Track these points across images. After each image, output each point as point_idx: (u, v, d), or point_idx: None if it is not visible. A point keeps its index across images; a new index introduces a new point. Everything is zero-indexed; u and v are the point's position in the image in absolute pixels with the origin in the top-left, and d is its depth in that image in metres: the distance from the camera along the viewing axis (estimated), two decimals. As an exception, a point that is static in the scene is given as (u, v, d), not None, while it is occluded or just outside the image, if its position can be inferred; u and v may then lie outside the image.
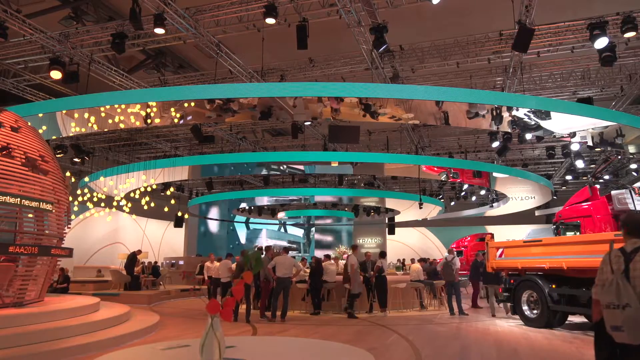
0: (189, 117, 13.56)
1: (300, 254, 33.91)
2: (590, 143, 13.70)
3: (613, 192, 10.50)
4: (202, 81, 14.08)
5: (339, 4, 9.43)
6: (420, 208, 20.52)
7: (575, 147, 16.56)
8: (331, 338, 8.00)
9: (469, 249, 23.19)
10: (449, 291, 12.35)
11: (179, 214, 24.15)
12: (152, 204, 18.01)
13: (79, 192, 17.67)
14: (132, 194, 19.51)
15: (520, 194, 24.67)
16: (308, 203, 30.14)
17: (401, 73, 12.95)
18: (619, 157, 19.22)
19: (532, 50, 10.68)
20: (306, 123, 16.06)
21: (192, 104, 12.17)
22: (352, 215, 30.54)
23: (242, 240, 35.16)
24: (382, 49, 10.10)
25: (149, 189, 19.29)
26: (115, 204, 19.29)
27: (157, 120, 12.99)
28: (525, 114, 12.13)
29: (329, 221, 35.69)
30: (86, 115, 12.72)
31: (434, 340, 8.29)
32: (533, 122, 12.45)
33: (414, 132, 17.78)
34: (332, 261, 13.56)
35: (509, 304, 10.85)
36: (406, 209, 27.11)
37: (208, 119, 14.15)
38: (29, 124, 9.32)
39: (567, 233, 11.10)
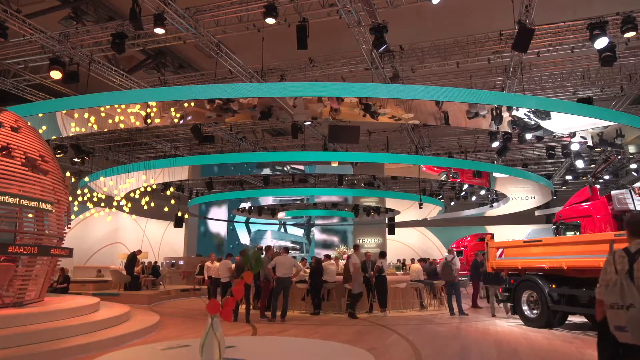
0: (189, 117, 13.56)
1: (302, 254, 33.87)
2: (590, 143, 13.70)
3: (613, 192, 10.50)
4: (202, 81, 14.08)
5: (339, 4, 9.44)
6: (420, 208, 20.52)
7: (575, 147, 16.57)
8: (331, 338, 8.00)
9: (469, 249, 23.19)
10: (449, 291, 12.36)
11: (179, 214, 24.15)
12: (152, 204, 18.01)
13: (79, 192, 17.67)
14: (132, 194, 19.51)
15: (520, 194, 24.67)
16: (308, 203, 30.13)
17: (401, 73, 12.95)
18: (619, 157, 19.22)
19: (532, 50, 10.69)
20: (306, 123, 16.06)
21: (192, 104, 12.17)
22: (352, 215, 30.53)
23: (245, 240, 35.14)
24: (382, 49, 10.10)
25: (149, 189, 19.29)
26: (115, 204, 19.29)
27: (157, 120, 12.99)
28: (525, 114, 12.13)
29: (329, 221, 35.69)
30: (86, 115, 12.72)
31: (434, 340, 8.29)
32: (533, 122, 12.45)
33: (414, 132, 17.78)
34: (332, 261, 13.57)
35: (509, 304, 10.86)
36: (406, 209, 27.11)
37: (208, 119, 14.15)
38: (29, 124, 9.32)
39: (567, 233, 11.10)
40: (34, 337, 6.57)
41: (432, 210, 25.98)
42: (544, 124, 12.31)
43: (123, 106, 12.12)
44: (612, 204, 10.38)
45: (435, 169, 19.60)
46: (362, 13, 9.84)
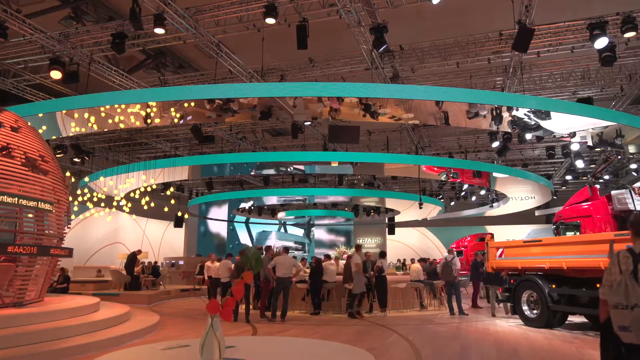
0: (189, 117, 13.56)
1: (304, 254, 33.86)
2: (590, 143, 13.70)
3: (613, 192, 10.50)
4: (202, 81, 14.08)
5: (339, 4, 9.44)
6: (420, 208, 20.52)
7: (575, 147, 16.57)
8: (331, 338, 8.00)
9: (469, 249, 23.19)
10: (449, 291, 12.36)
11: (179, 214, 24.15)
12: (152, 204, 18.01)
13: (79, 192, 17.67)
14: (132, 194, 19.51)
15: (520, 194, 24.67)
16: (308, 203, 30.13)
17: (401, 73, 12.95)
18: (619, 157, 19.22)
19: (532, 50, 10.69)
20: (306, 123, 16.06)
21: (192, 104, 12.17)
22: (352, 215, 30.53)
23: (246, 240, 35.13)
24: (382, 49, 10.10)
25: (149, 189, 19.29)
26: (115, 204, 19.29)
27: (157, 120, 13.00)
28: (525, 114, 12.13)
29: (329, 221, 35.69)
30: (86, 115, 12.73)
31: (434, 340, 8.29)
32: (533, 122, 12.45)
33: (414, 132, 17.78)
34: (332, 261, 13.56)
35: (509, 304, 10.86)
36: (406, 209, 27.12)
37: (208, 119, 14.16)
38: (29, 124, 9.32)
39: (567, 233, 11.10)
40: (34, 337, 6.57)
41: (432, 210, 25.98)
42: (544, 124, 12.31)
43: (123, 106, 12.12)
44: (612, 204, 10.38)
45: (435, 169, 19.61)
46: (362, 13, 9.84)
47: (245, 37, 11.18)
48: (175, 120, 13.38)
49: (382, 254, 13.03)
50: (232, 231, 34.39)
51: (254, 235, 35.45)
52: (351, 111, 12.29)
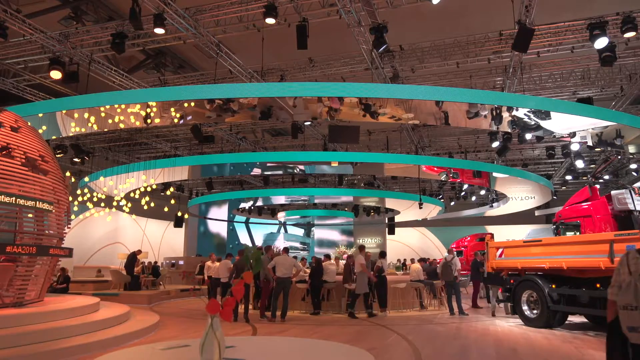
0: (189, 117, 13.56)
1: (307, 254, 33.86)
2: (590, 143, 13.70)
3: (613, 192, 10.50)
4: (202, 81, 14.09)
5: (339, 4, 9.44)
6: (420, 208, 20.51)
7: (575, 147, 16.57)
8: (331, 338, 8.01)
9: (469, 249, 23.18)
10: (449, 291, 12.36)
11: (179, 214, 24.15)
12: (152, 204, 18.01)
13: (79, 192, 17.67)
14: (132, 194, 19.51)
15: (520, 194, 24.67)
16: (308, 203, 30.12)
17: (401, 73, 12.95)
18: (619, 157, 19.22)
19: (532, 50, 10.69)
20: (306, 123, 16.06)
21: (192, 104, 12.17)
22: (352, 215, 30.52)
23: (249, 241, 35.13)
24: (382, 49, 10.11)
25: (148, 189, 19.29)
26: (115, 204, 19.29)
27: (157, 120, 12.99)
28: (525, 114, 12.13)
29: (328, 221, 35.68)
30: (86, 115, 12.72)
31: (433, 340, 8.29)
32: (533, 122, 12.45)
33: (414, 132, 17.78)
34: (332, 261, 13.56)
35: (509, 304, 10.85)
36: (406, 209, 27.10)
37: (208, 119, 14.15)
38: (29, 124, 9.31)
39: (567, 233, 11.10)
40: (33, 337, 6.57)
41: (432, 210, 25.98)
42: (544, 124, 12.31)
43: (123, 106, 12.12)
44: (612, 204, 10.38)
45: (435, 169, 19.60)
46: (362, 13, 9.85)
47: (245, 37, 11.19)
48: (175, 120, 13.38)
49: (382, 254, 13.03)
50: (232, 231, 34.38)
51: (262, 237, 35.41)
52: (351, 111, 12.28)
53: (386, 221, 32.05)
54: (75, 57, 11.76)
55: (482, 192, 26.00)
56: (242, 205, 29.74)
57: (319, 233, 37.28)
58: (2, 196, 7.53)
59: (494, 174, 20.26)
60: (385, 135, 18.32)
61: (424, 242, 33.58)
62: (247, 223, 35.34)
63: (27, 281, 8.38)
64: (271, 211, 31.35)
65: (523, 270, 10.41)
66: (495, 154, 17.27)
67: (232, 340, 3.11)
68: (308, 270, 12.71)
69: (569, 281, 9.28)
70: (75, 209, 16.56)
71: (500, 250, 11.30)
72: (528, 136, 13.96)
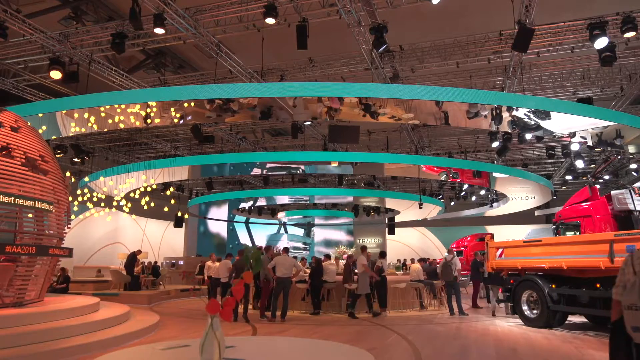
0: (189, 117, 13.56)
1: (309, 254, 33.87)
2: (590, 143, 13.70)
3: (613, 192, 10.50)
4: (202, 81, 14.09)
5: (339, 4, 9.44)
6: (420, 208, 20.52)
7: (575, 147, 16.57)
8: (331, 338, 8.01)
9: (469, 249, 23.19)
10: (449, 291, 12.36)
11: (179, 214, 24.16)
12: (152, 204, 18.01)
13: (79, 192, 17.67)
14: (132, 194, 19.51)
15: (520, 194, 24.67)
16: (308, 203, 30.13)
17: (401, 73, 12.95)
18: (619, 157, 19.22)
19: (532, 50, 10.69)
20: (306, 123, 16.06)
21: (192, 104, 12.17)
22: (352, 215, 30.51)
23: (249, 241, 35.13)
24: (382, 49, 10.11)
25: (148, 189, 19.30)
26: (115, 204, 19.29)
27: (157, 120, 12.99)
28: (525, 114, 12.13)
29: (328, 221, 35.69)
30: (86, 115, 12.72)
31: (433, 340, 8.29)
32: (533, 122, 12.45)
33: (414, 132, 17.79)
34: (332, 261, 13.56)
35: (509, 304, 10.85)
36: (406, 209, 27.10)
37: (208, 119, 14.15)
38: (29, 124, 9.31)
39: (567, 233, 11.10)
40: (33, 337, 6.57)
41: (432, 210, 25.98)
42: (543, 124, 12.31)
43: (123, 106, 12.12)
44: (612, 204, 10.38)
45: (435, 169, 19.60)
46: (362, 13, 9.85)
47: (245, 37, 11.19)
48: (175, 120, 13.38)
49: (382, 254, 13.04)
50: (232, 231, 34.38)
51: (265, 238, 35.40)
52: (351, 111, 12.28)
53: (386, 221, 32.05)
54: (75, 57, 11.76)
55: (482, 192, 26.00)
56: (242, 205, 29.73)
57: (318, 233, 37.28)
58: (2, 196, 7.53)
59: (494, 174, 20.27)
60: (385, 135, 18.32)
61: (424, 242, 33.58)
62: (247, 223, 35.34)
63: (27, 281, 8.38)
64: (271, 211, 31.35)
65: (523, 270, 10.41)
66: (495, 154, 17.27)
67: (232, 340, 3.11)
68: (308, 270, 12.71)
69: (569, 281, 9.28)
70: (75, 209, 16.57)
71: (500, 250, 11.30)
72: (528, 136, 13.97)
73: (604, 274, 8.35)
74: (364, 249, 12.31)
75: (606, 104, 14.21)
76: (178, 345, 3.10)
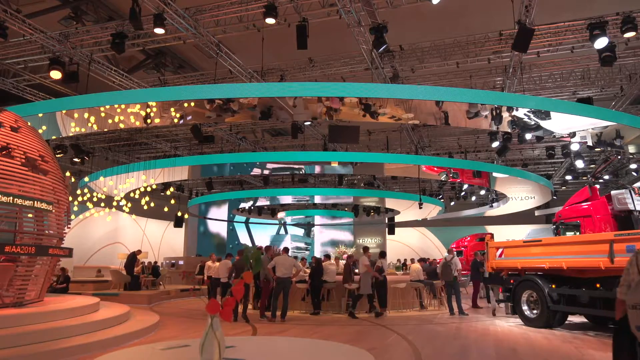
0: (189, 117, 13.56)
1: (308, 254, 33.86)
2: (590, 143, 13.70)
3: (613, 192, 10.50)
4: (202, 81, 14.09)
5: (339, 4, 9.44)
6: (420, 208, 20.52)
7: (575, 147, 16.57)
8: (331, 338, 8.01)
9: (469, 249, 23.18)
10: (449, 291, 12.36)
11: (179, 214, 24.16)
12: (152, 204, 18.01)
13: (79, 192, 17.67)
14: (132, 194, 19.51)
15: (520, 194, 24.67)
16: (308, 203, 30.13)
17: (401, 73, 12.96)
18: (619, 157, 19.22)
19: (532, 50, 10.69)
20: (306, 123, 16.06)
21: (192, 104, 12.17)
22: (352, 215, 30.50)
23: (249, 241, 35.12)
24: (382, 49, 10.11)
25: (148, 189, 19.29)
26: (115, 204, 19.29)
27: (157, 120, 13.00)
28: (525, 114, 12.13)
29: (328, 221, 35.69)
30: (86, 115, 12.73)
31: (433, 340, 8.29)
32: (533, 122, 12.45)
33: (414, 132, 17.79)
34: (332, 261, 13.55)
35: (509, 304, 10.85)
36: (406, 209, 27.10)
37: (208, 119, 14.16)
38: (29, 124, 9.31)
39: (567, 233, 11.10)
40: (33, 337, 6.57)
41: (432, 210, 25.98)
42: (543, 124, 12.31)
43: (123, 106, 12.12)
44: (612, 204, 10.37)
45: (435, 169, 19.60)
46: (362, 13, 9.85)
47: (245, 37, 11.19)
48: (175, 120, 13.38)
49: (382, 254, 13.03)
50: (232, 231, 34.38)
51: (268, 238, 35.39)
52: (351, 111, 12.28)
53: (386, 221, 32.05)
54: (75, 57, 11.76)
55: (482, 192, 26.00)
56: (242, 205, 29.73)
57: (318, 233, 37.28)
58: (2, 196, 7.53)
59: (494, 174, 20.27)
60: (385, 135, 18.32)
61: (424, 242, 33.58)
62: (247, 223, 35.33)
63: (27, 281, 8.38)
64: (271, 211, 31.35)
65: (523, 270, 10.41)
66: (495, 154, 17.28)
67: (232, 340, 3.11)
68: (308, 270, 12.71)
69: (569, 281, 9.28)
70: (75, 209, 16.57)
71: (500, 250, 11.29)
72: (528, 136, 13.97)
73: (604, 274, 8.35)
74: (366, 249, 12.31)
75: (606, 104, 14.22)
76: (178, 345, 3.11)
